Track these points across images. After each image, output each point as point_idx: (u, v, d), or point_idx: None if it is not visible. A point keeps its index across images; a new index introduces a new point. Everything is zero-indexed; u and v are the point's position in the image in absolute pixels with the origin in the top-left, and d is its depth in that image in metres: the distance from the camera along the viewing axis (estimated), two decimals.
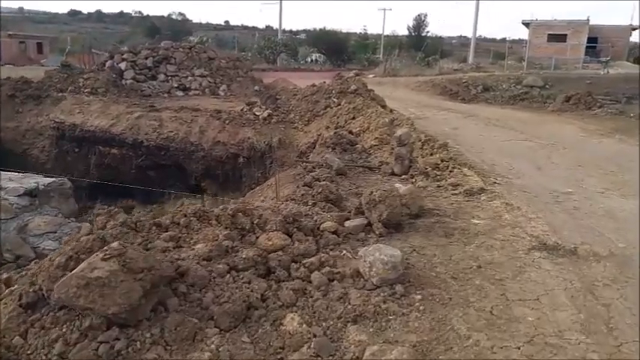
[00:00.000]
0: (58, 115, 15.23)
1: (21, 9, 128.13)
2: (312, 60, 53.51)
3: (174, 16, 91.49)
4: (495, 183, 7.11)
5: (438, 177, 7.11)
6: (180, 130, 13.84)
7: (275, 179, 6.52)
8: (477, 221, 5.23)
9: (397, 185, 7.08)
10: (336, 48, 46.14)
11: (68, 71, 17.88)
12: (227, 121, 13.74)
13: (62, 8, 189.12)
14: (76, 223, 8.09)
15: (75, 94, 16.68)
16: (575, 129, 12.33)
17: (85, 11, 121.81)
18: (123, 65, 19.40)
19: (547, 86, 20.75)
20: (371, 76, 31.14)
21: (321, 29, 54.18)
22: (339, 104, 13.36)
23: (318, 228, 4.56)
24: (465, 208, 5.78)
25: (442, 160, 7.46)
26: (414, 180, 7.31)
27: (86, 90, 16.89)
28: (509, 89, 20.94)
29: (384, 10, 54.06)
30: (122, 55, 19.80)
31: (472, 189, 6.45)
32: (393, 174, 7.78)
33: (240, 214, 4.36)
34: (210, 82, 20.01)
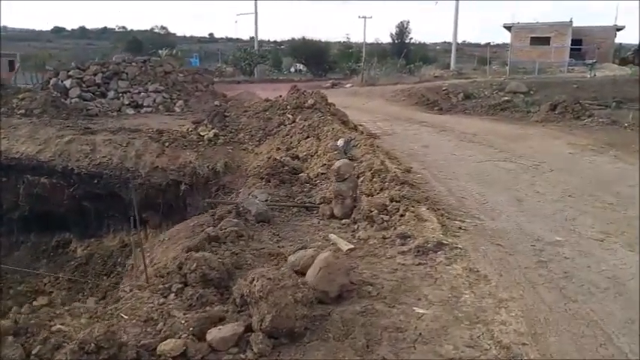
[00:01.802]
0: None
1: (5, 27, 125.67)
2: (295, 70, 52.06)
3: (156, 30, 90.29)
4: (461, 229, 5.41)
5: (386, 223, 5.41)
6: (114, 155, 12.03)
7: (141, 255, 4.69)
8: (422, 311, 3.52)
9: (332, 237, 5.39)
10: (317, 57, 44.65)
11: (1, 91, 16.04)
12: (167, 144, 11.95)
13: (47, 26, 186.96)
14: None
15: (7, 116, 14.86)
16: (563, 144, 10.67)
17: (69, 28, 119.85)
18: (68, 83, 17.65)
19: (531, 92, 19.29)
20: (348, 85, 29.60)
21: (300, 39, 52.57)
22: (294, 121, 11.70)
23: (153, 350, 2.83)
24: (411, 280, 4.09)
25: (392, 200, 5.75)
26: (356, 227, 5.62)
27: (19, 111, 15.06)
28: (492, 96, 19.41)
29: (364, 17, 52.02)
30: (68, 72, 18.04)
31: (426, 243, 4.75)
32: (332, 216, 6.10)
33: (10, 337, 2.61)
34: (165, 97, 18.23)
